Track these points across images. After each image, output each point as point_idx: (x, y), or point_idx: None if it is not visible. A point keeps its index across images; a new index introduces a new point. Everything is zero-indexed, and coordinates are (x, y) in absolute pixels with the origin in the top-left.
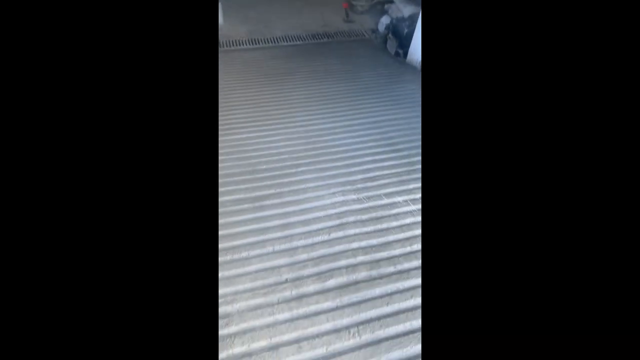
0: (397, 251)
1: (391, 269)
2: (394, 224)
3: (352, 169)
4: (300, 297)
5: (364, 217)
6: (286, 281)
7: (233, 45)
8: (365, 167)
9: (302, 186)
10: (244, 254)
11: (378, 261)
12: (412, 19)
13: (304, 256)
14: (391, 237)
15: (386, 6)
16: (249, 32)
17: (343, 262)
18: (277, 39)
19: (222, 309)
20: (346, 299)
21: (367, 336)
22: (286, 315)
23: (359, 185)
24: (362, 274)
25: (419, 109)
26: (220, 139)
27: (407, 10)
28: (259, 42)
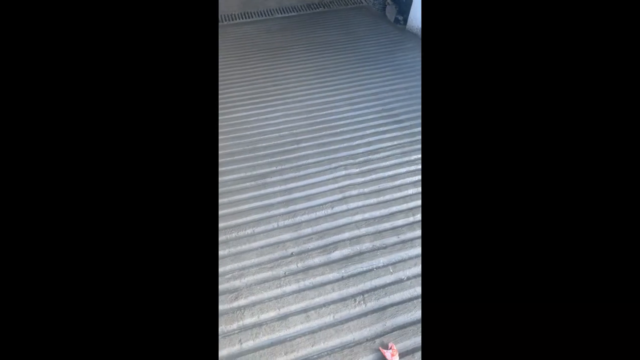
0: (400, 221)
1: (394, 239)
2: (397, 195)
3: (354, 143)
4: (306, 270)
5: (367, 189)
6: (292, 255)
7: (226, 19)
8: (366, 139)
9: (304, 162)
10: (249, 231)
11: (381, 232)
12: None
13: (308, 230)
14: (394, 208)
15: None
16: (242, 5)
17: (347, 235)
18: (271, 10)
19: (230, 284)
20: (351, 269)
21: (372, 303)
22: (293, 287)
23: (361, 159)
24: (366, 245)
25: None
26: (218, 118)
27: None
28: (252, 15)
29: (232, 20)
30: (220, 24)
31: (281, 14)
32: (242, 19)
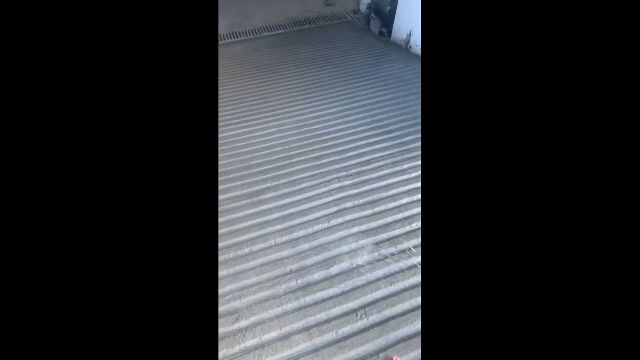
0: (397, 232)
1: (392, 249)
2: (392, 205)
3: (346, 155)
4: (306, 286)
5: (362, 201)
6: (291, 272)
7: None
8: (358, 152)
9: (298, 177)
10: (247, 250)
11: (379, 243)
12: None
13: (306, 246)
14: (390, 219)
15: None
16: (230, 25)
17: (345, 248)
18: (258, 30)
19: (230, 305)
20: (351, 283)
21: (374, 317)
22: (294, 304)
23: (354, 171)
24: (365, 258)
25: (408, 88)
26: (218, 136)
27: None
28: (240, 35)
29: (222, 40)
30: None
31: (269, 32)
32: (231, 39)
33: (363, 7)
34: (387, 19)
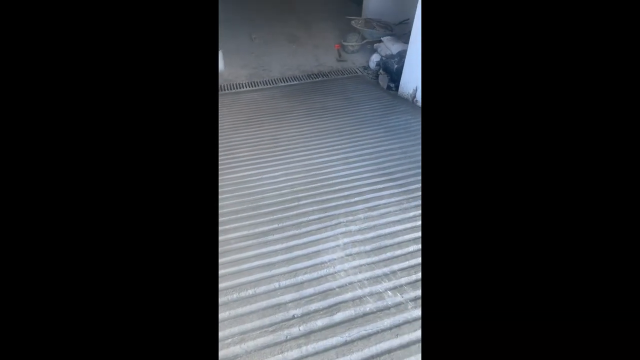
0: (403, 280)
1: (398, 298)
2: (398, 252)
3: (352, 200)
4: (308, 333)
5: (368, 247)
6: (294, 317)
7: (233, 88)
8: (365, 197)
9: (304, 219)
10: (251, 291)
11: (384, 292)
12: (401, 55)
13: (310, 290)
14: (395, 266)
15: (375, 45)
16: (249, 76)
17: (350, 295)
18: (274, 80)
19: (229, 350)
20: (355, 332)
21: None
22: (295, 353)
23: (360, 216)
24: (370, 306)
25: (414, 138)
26: (223, 177)
27: (395, 48)
28: (257, 84)
29: (241, 88)
30: (228, 92)
31: (284, 82)
32: (249, 87)
33: (372, 64)
34: (394, 74)
